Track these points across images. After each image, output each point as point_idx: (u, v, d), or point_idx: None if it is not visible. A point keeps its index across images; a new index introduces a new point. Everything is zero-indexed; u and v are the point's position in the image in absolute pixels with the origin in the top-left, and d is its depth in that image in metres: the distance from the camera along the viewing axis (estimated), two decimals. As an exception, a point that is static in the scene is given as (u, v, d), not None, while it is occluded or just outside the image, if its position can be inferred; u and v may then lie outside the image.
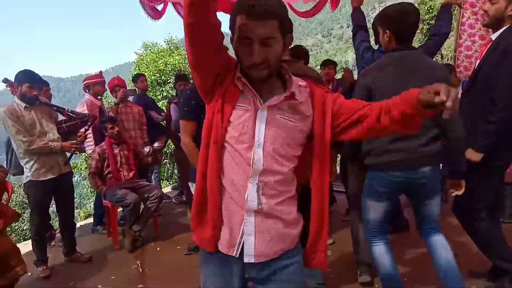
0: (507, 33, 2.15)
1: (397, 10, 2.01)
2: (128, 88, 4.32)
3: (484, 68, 2.21)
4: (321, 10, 4.32)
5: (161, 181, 7.30)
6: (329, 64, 4.43)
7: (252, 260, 1.23)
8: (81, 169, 12.89)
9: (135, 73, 14.44)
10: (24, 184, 3.14)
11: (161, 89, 13.30)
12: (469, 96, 2.31)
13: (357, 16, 2.98)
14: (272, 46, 1.13)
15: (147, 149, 3.99)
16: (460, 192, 2.13)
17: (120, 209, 4.06)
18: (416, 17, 2.04)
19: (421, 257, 3.00)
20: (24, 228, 9.78)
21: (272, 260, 1.26)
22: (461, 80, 4.38)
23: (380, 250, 2.19)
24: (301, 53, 2.82)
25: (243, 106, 1.20)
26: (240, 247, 1.24)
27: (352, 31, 2.97)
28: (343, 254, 3.23)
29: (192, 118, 2.31)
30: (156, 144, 3.91)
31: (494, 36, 2.21)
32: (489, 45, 2.25)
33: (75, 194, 3.38)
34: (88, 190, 15.22)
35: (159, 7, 3.87)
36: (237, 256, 1.24)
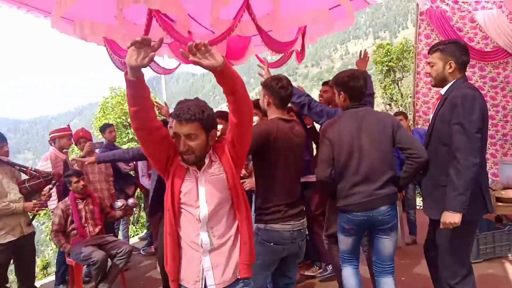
0: (452, 88, 2.26)
1: (349, 76, 2.45)
2: (95, 142, 4.26)
3: (437, 123, 2.31)
4: (286, 63, 4.54)
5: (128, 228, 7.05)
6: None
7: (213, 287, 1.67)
8: (39, 214, 12.22)
9: (99, 115, 14.31)
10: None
11: (126, 131, 13.12)
12: (428, 153, 2.32)
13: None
14: (193, 140, 1.60)
15: (120, 203, 3.86)
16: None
17: (85, 266, 3.86)
18: (364, 80, 2.45)
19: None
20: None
21: (231, 285, 1.70)
22: (418, 124, 4.70)
23: (348, 272, 2.53)
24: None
25: (188, 179, 1.68)
26: (203, 281, 1.67)
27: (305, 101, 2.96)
28: None
29: None
30: (130, 201, 3.80)
31: (443, 91, 2.33)
32: (439, 100, 2.37)
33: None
34: (47, 237, 14.37)
35: (128, 61, 3.92)
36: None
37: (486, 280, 3.35)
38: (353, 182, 2.33)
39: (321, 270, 3.74)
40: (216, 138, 1.75)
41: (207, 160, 1.70)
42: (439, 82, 2.34)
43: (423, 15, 5.63)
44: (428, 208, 2.36)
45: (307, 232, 2.88)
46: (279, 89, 2.27)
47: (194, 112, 1.58)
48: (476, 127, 2.07)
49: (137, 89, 1.50)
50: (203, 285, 1.67)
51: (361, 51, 3.30)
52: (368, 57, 3.28)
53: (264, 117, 2.94)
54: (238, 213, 1.72)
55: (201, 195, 1.66)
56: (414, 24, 5.90)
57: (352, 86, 2.42)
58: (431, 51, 2.36)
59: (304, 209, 2.38)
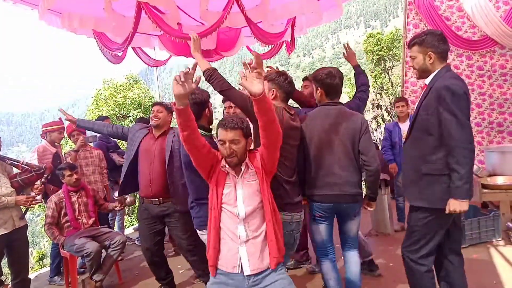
0: (436, 78, 2.27)
1: (326, 73, 2.60)
2: (88, 135, 4.26)
3: (421, 112, 2.32)
4: (276, 54, 4.56)
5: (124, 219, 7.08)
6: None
7: (249, 273, 1.98)
8: (33, 207, 12.19)
9: (92, 107, 14.22)
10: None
11: (120, 123, 13.08)
12: (411, 140, 2.39)
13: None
14: (236, 144, 1.97)
15: (116, 204, 3.87)
16: (372, 209, 2.77)
17: (79, 258, 3.90)
18: (340, 78, 2.61)
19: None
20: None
21: (263, 272, 2.01)
22: (409, 113, 4.76)
23: (327, 266, 2.65)
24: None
25: (228, 183, 2.04)
26: (240, 266, 2.00)
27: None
28: None
29: None
30: (128, 199, 3.82)
31: (427, 81, 2.34)
32: (424, 90, 2.38)
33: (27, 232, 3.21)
34: (42, 229, 14.35)
35: (120, 53, 3.92)
36: (239, 272, 1.99)
37: (472, 265, 3.45)
38: (322, 174, 2.51)
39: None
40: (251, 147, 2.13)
41: (243, 167, 2.05)
42: (422, 73, 2.37)
43: (411, 4, 5.67)
44: (411, 195, 2.37)
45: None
46: (286, 84, 2.48)
47: (237, 121, 1.98)
48: (466, 115, 2.14)
49: (186, 116, 1.88)
50: (240, 270, 1.99)
51: (344, 45, 3.45)
52: (354, 51, 3.38)
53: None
54: (266, 215, 2.03)
55: (238, 197, 2.01)
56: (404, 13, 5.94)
57: (329, 83, 2.59)
58: (410, 45, 2.39)
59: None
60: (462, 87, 2.17)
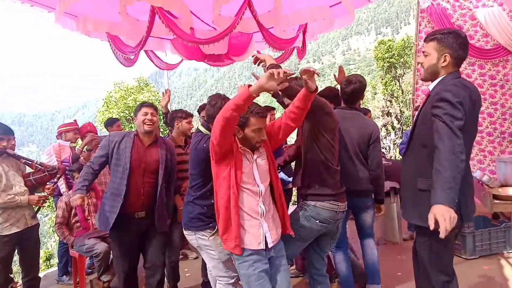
0: (438, 85, 2.05)
1: (344, 80, 2.93)
2: (101, 136, 4.32)
3: (418, 123, 2.15)
4: (287, 59, 4.58)
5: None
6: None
7: (271, 245, 2.18)
8: (44, 207, 12.34)
9: (102, 109, 14.40)
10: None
11: (130, 125, 13.22)
12: (408, 153, 2.22)
13: None
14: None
15: None
16: (381, 213, 3.07)
17: (87, 258, 3.93)
18: (357, 84, 2.87)
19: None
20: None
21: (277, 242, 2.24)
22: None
23: (339, 257, 2.97)
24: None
25: (246, 162, 2.17)
26: (264, 241, 2.14)
27: None
28: None
29: None
30: None
31: (431, 87, 2.11)
32: (426, 96, 2.17)
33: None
34: (50, 229, 14.50)
35: (132, 56, 3.98)
36: (263, 247, 2.14)
37: (482, 277, 3.41)
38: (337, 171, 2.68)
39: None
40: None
41: (260, 149, 2.26)
42: (430, 75, 2.12)
43: (423, 12, 5.65)
44: (407, 212, 2.21)
45: None
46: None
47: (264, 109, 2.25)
48: (458, 126, 1.84)
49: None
50: (264, 244, 2.15)
51: (339, 68, 3.64)
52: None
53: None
54: (276, 190, 2.27)
55: (256, 175, 2.18)
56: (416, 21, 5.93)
57: (345, 91, 2.93)
58: (427, 39, 2.11)
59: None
60: (458, 95, 1.90)
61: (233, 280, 2.48)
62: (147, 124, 2.82)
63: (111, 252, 3.63)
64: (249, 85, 1.95)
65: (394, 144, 17.18)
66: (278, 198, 2.29)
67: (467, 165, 1.99)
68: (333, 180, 2.44)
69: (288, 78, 1.97)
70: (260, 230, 2.15)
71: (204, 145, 2.33)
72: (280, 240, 2.28)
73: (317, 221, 2.40)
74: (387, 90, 17.84)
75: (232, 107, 1.91)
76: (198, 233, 2.50)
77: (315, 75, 2.09)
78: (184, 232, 2.60)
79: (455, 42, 2.02)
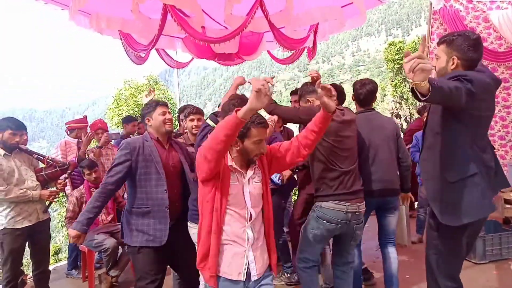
0: None
1: (357, 83, 2.99)
2: (111, 133, 4.36)
3: (430, 122, 2.13)
4: (297, 59, 4.57)
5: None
6: None
7: (256, 278, 1.90)
8: (55, 202, 12.48)
9: (112, 106, 14.52)
10: (-2, 231, 3.05)
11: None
12: (425, 151, 2.17)
13: None
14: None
15: None
16: (407, 203, 3.17)
17: (96, 253, 3.98)
18: (370, 84, 2.94)
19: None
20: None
21: (262, 276, 1.94)
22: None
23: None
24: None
25: (235, 182, 1.89)
26: (246, 272, 1.87)
27: None
28: None
29: None
30: None
31: None
32: None
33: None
34: (59, 223, 14.65)
35: (143, 54, 4.01)
36: (244, 279, 1.87)
37: (492, 282, 3.38)
38: (371, 171, 2.84)
39: (289, 275, 3.66)
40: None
41: (253, 167, 1.97)
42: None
43: (436, 14, 5.60)
44: (445, 215, 2.00)
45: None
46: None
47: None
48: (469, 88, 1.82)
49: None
50: (245, 276, 1.88)
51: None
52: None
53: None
54: (267, 217, 2.01)
55: (246, 198, 1.90)
56: (427, 22, 5.87)
57: (360, 93, 2.97)
58: (439, 42, 2.10)
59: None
60: (467, 75, 1.87)
61: None
62: (168, 124, 2.58)
63: (119, 247, 3.68)
64: (237, 109, 1.66)
65: (403, 146, 17.05)
66: (267, 226, 2.01)
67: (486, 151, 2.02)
68: (338, 181, 2.49)
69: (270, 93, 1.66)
70: (243, 259, 1.88)
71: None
72: (269, 271, 2.01)
73: (325, 221, 2.47)
74: (396, 92, 17.73)
75: (222, 139, 1.68)
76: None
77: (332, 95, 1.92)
78: (188, 224, 2.59)
79: (463, 44, 1.98)
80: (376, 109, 3.23)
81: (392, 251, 3.01)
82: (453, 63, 2.00)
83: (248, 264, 1.88)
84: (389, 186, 2.87)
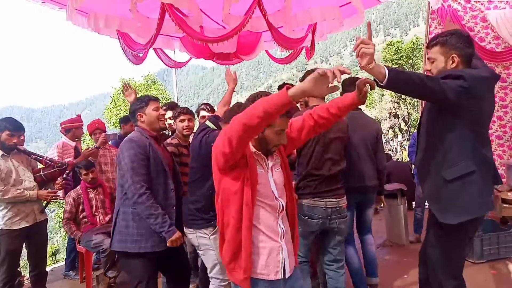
0: None
1: (346, 81, 2.98)
2: (109, 133, 4.33)
3: (424, 122, 2.13)
4: (295, 59, 4.57)
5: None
6: None
7: (289, 274, 1.76)
8: (54, 202, 12.45)
9: (110, 106, 14.49)
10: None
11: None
12: (420, 151, 2.16)
13: None
14: None
15: None
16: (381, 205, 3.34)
17: (94, 253, 3.96)
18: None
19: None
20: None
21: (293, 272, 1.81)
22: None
23: (351, 252, 3.06)
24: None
25: (261, 171, 1.74)
26: (283, 269, 1.72)
27: None
28: None
29: None
30: None
31: None
32: None
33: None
34: (56, 224, 14.62)
35: (141, 54, 4.00)
36: (281, 277, 1.72)
37: (489, 281, 3.38)
38: (350, 168, 2.85)
39: None
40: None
41: (275, 155, 1.86)
42: None
43: (434, 13, 5.60)
44: (443, 214, 2.01)
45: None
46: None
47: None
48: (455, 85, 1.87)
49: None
50: (282, 274, 1.73)
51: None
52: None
53: None
54: (292, 207, 1.87)
55: (272, 186, 1.76)
56: (425, 22, 5.87)
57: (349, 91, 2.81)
58: (430, 45, 2.07)
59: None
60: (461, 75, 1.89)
61: (226, 282, 2.46)
62: (162, 121, 2.48)
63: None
64: (288, 86, 1.48)
65: (401, 146, 17.08)
66: (291, 218, 1.86)
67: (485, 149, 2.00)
68: (318, 180, 2.56)
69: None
70: (280, 255, 1.72)
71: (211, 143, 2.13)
72: (296, 268, 1.87)
73: (306, 217, 2.56)
74: (394, 92, 17.73)
75: (260, 114, 1.45)
76: (199, 231, 2.48)
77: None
78: (185, 230, 2.55)
79: (459, 41, 1.99)
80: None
81: (369, 237, 3.28)
82: (453, 62, 1.99)
83: (284, 260, 1.73)
84: (367, 183, 3.02)
